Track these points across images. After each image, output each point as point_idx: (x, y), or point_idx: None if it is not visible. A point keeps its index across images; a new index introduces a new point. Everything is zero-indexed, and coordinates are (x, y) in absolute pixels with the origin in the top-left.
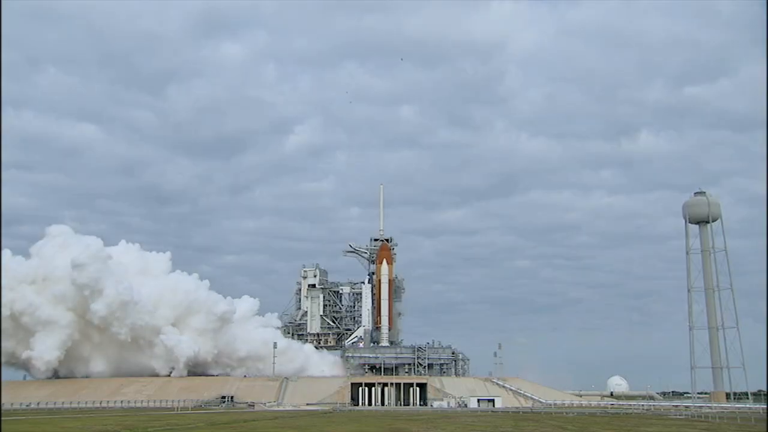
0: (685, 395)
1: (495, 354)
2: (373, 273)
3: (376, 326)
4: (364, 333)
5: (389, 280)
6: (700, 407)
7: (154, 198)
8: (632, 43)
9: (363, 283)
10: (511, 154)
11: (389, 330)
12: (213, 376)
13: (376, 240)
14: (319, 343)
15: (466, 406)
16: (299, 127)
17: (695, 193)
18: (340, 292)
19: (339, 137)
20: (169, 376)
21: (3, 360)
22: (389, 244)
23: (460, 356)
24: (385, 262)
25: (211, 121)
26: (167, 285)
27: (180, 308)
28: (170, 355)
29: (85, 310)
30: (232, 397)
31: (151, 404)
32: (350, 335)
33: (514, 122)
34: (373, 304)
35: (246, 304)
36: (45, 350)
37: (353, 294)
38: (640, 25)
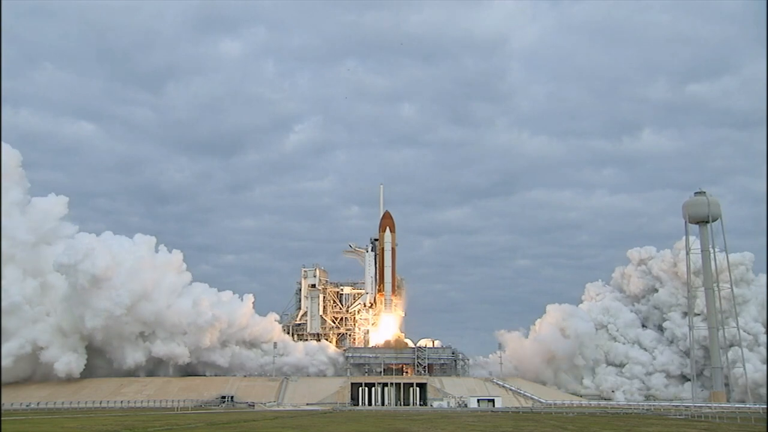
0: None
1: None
2: (376, 239)
3: (379, 291)
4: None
5: (392, 247)
6: (700, 407)
7: (153, 197)
8: (635, 40)
9: (362, 282)
10: (513, 153)
11: (392, 296)
12: (212, 376)
13: (376, 240)
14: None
15: (466, 406)
16: (299, 125)
17: (695, 193)
18: (341, 292)
19: (339, 135)
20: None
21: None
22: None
23: (460, 356)
24: (388, 229)
25: (210, 119)
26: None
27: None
28: (162, 363)
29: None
30: (232, 397)
31: (151, 404)
32: (350, 340)
33: (515, 120)
34: (376, 271)
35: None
36: (64, 358)
37: (354, 294)
38: (642, 21)
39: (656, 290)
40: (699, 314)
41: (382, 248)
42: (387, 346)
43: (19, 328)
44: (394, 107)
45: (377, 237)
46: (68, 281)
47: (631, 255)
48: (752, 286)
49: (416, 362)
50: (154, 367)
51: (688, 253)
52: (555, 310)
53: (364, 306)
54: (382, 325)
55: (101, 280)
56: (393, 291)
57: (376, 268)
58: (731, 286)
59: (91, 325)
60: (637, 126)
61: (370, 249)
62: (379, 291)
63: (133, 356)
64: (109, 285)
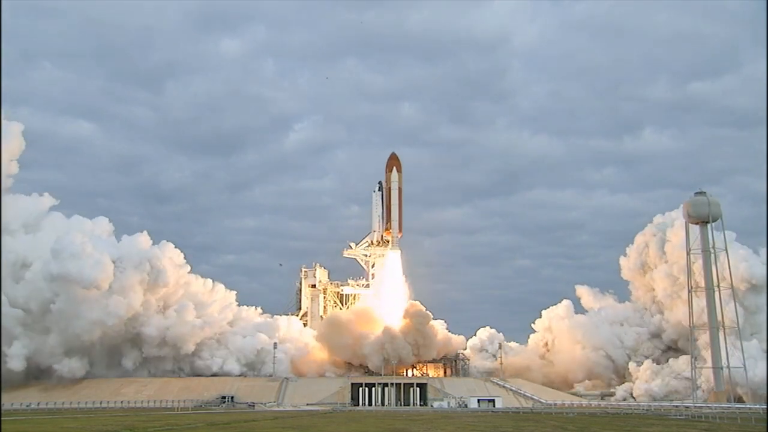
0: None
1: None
2: (381, 184)
3: (387, 230)
4: None
5: (399, 187)
6: (700, 407)
7: (152, 196)
8: (636, 39)
9: (365, 277)
10: (513, 152)
11: (399, 237)
12: (212, 376)
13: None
14: None
15: (466, 406)
16: (299, 124)
17: (696, 193)
18: (341, 292)
19: (339, 134)
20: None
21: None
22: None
23: (461, 356)
24: (394, 170)
25: (209, 118)
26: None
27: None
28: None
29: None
30: (232, 398)
31: (151, 404)
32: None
33: (516, 119)
34: (383, 209)
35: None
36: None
37: (354, 294)
38: (643, 20)
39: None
40: None
41: (389, 188)
42: (407, 330)
43: (20, 332)
44: (394, 106)
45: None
46: (61, 290)
47: (627, 274)
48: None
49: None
50: (151, 368)
51: (688, 254)
52: (568, 321)
53: (372, 243)
54: (387, 264)
55: (92, 289)
56: (399, 229)
57: (383, 207)
58: (731, 286)
59: (88, 338)
60: (638, 125)
61: (377, 189)
62: (387, 229)
63: (130, 356)
64: (100, 296)
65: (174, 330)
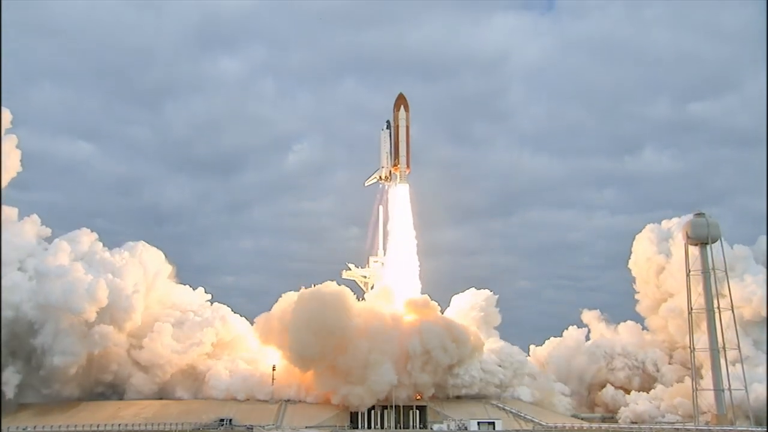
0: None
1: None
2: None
3: (394, 165)
4: None
5: (406, 125)
6: (701, 430)
7: (151, 217)
8: (636, 58)
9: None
10: (513, 172)
11: (407, 173)
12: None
13: (375, 262)
14: None
15: (466, 429)
16: (298, 144)
17: (695, 215)
18: None
19: (338, 155)
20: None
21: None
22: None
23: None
24: (402, 108)
25: (208, 138)
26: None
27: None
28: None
29: None
30: (230, 420)
31: (150, 427)
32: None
33: (516, 139)
34: (391, 146)
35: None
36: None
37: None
38: (643, 39)
39: None
40: None
41: (397, 125)
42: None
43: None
44: None
45: (376, 259)
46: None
47: (644, 311)
48: None
49: None
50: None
51: (688, 275)
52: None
53: (380, 179)
54: (395, 198)
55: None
56: (407, 165)
57: (391, 144)
58: (731, 307)
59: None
60: (638, 145)
61: (385, 128)
62: (394, 165)
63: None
64: (86, 324)
65: (147, 356)
